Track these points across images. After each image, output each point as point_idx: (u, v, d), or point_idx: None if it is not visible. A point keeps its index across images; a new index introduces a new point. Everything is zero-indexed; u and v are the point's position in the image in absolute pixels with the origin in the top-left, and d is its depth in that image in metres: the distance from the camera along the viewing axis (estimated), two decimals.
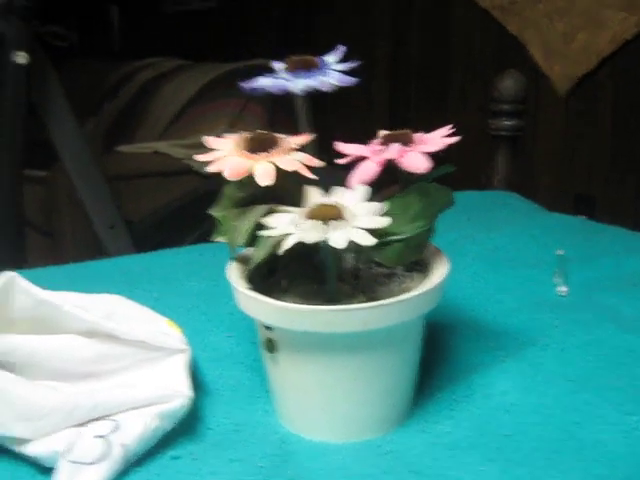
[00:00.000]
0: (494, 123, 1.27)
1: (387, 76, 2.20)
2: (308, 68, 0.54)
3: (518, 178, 1.33)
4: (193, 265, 0.85)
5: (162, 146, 2.14)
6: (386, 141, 0.54)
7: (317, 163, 0.53)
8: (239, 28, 2.73)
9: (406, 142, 0.53)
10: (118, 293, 0.65)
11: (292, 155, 0.54)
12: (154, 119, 2.44)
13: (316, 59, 0.55)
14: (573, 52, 1.81)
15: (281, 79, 0.54)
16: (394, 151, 0.52)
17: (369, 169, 0.53)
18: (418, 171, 0.52)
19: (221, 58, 2.48)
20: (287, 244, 0.48)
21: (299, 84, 0.53)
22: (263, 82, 0.54)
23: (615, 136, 1.76)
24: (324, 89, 0.54)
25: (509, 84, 1.24)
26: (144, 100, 2.51)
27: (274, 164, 0.52)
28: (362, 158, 0.54)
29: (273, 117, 2.05)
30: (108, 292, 0.65)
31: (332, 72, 0.54)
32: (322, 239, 0.48)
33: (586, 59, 1.79)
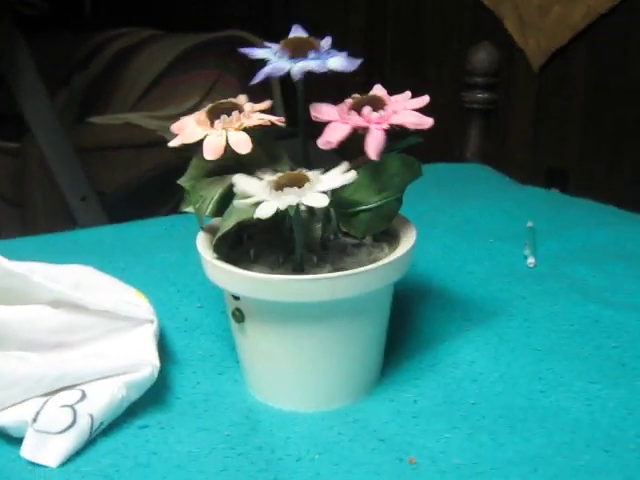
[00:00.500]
0: (467, 96, 1.27)
1: (362, 48, 2.18)
2: (307, 50, 0.53)
3: (491, 151, 1.33)
4: (164, 236, 0.84)
5: (135, 117, 2.12)
6: (358, 104, 0.53)
7: (278, 120, 0.53)
8: None
9: (376, 106, 0.52)
10: (88, 264, 0.65)
11: (255, 116, 0.53)
12: (126, 90, 2.41)
13: (315, 42, 0.54)
14: (548, 26, 1.81)
15: (280, 62, 0.52)
16: (360, 120, 0.51)
17: (339, 129, 0.52)
18: (371, 157, 0.51)
19: (195, 28, 2.45)
20: (264, 212, 0.47)
21: (299, 68, 0.52)
22: (265, 71, 0.53)
23: (588, 110, 1.76)
24: (321, 71, 0.52)
25: (482, 57, 1.24)
26: (116, 71, 2.48)
27: (237, 128, 0.52)
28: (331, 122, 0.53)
29: (247, 88, 2.03)
30: (77, 263, 0.65)
31: (332, 56, 0.53)
32: (297, 202, 0.47)
33: (560, 33, 1.79)
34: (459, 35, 1.99)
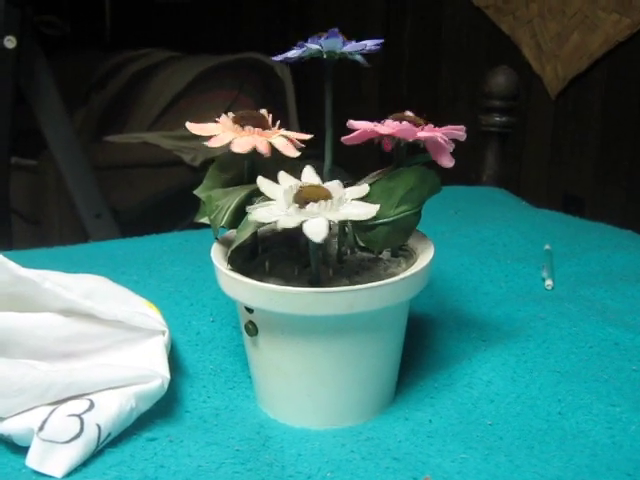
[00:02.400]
0: (485, 119, 1.26)
1: (378, 72, 2.19)
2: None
3: (508, 177, 1.32)
4: (178, 251, 0.84)
5: (151, 137, 2.13)
6: (397, 119, 0.52)
7: (305, 137, 0.53)
8: (232, 20, 2.72)
9: (416, 125, 0.52)
10: (101, 276, 0.64)
11: (280, 133, 0.53)
12: (144, 110, 2.43)
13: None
14: (566, 53, 1.80)
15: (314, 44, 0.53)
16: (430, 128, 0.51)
17: (411, 129, 0.51)
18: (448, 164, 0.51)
19: (213, 50, 2.47)
20: (285, 225, 0.46)
21: (334, 43, 0.52)
22: (295, 51, 0.53)
23: (605, 138, 1.75)
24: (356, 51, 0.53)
25: (501, 80, 1.23)
26: (134, 91, 2.50)
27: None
28: (369, 134, 0.53)
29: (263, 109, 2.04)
30: (91, 274, 0.64)
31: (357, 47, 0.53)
32: (325, 224, 0.46)
33: (578, 60, 1.78)
34: (476, 60, 2.00)
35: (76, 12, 3.07)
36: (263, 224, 0.49)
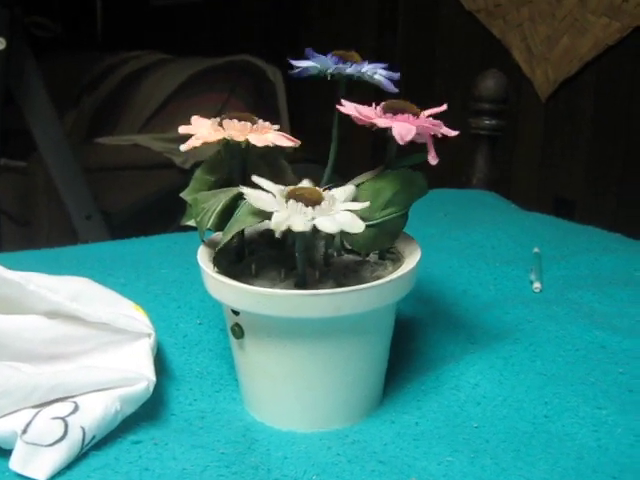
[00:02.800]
0: (475, 122, 1.27)
1: None
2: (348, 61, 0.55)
3: (498, 180, 1.32)
4: (166, 253, 0.84)
5: (142, 139, 2.12)
6: (390, 108, 0.52)
7: (292, 140, 0.53)
8: (224, 23, 2.71)
9: (413, 113, 0.52)
10: (89, 278, 0.64)
11: (269, 133, 0.53)
12: (135, 112, 2.42)
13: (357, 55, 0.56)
14: (556, 57, 1.81)
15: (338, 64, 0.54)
16: (427, 121, 0.51)
17: (409, 128, 0.50)
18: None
19: (205, 53, 2.46)
20: (279, 225, 0.46)
21: (351, 68, 0.54)
22: (329, 63, 0.54)
23: (596, 141, 1.76)
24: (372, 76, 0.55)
25: (490, 83, 1.24)
26: (125, 93, 2.49)
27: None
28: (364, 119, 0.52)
29: (255, 112, 2.04)
30: (78, 276, 0.64)
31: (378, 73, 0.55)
32: (311, 224, 0.46)
33: (568, 64, 1.79)
34: (468, 64, 2.00)
35: (67, 14, 3.06)
36: (247, 223, 0.48)
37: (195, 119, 0.55)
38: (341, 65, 0.55)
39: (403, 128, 0.50)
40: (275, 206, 0.47)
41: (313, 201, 0.47)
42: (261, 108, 2.20)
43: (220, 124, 0.52)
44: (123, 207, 1.89)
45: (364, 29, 2.24)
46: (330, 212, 0.47)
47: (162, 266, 0.79)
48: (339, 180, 0.55)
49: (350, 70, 0.55)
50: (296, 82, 2.33)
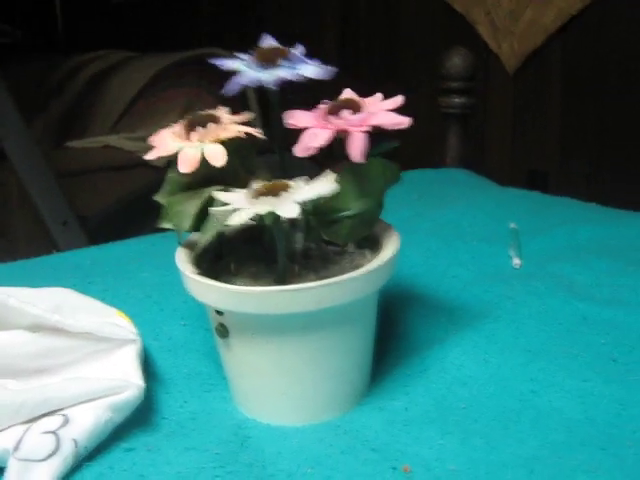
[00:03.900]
0: (444, 101, 1.27)
1: (335, 56, 2.18)
2: (279, 59, 0.52)
3: (471, 156, 1.33)
4: (144, 256, 0.83)
5: (113, 140, 2.11)
6: (335, 108, 0.52)
7: (256, 133, 0.52)
8: (187, 16, 2.69)
9: (354, 109, 0.52)
10: (69, 287, 0.64)
11: (232, 128, 0.53)
12: (104, 113, 2.40)
13: (287, 49, 0.53)
14: (520, 30, 1.81)
15: (252, 72, 0.52)
16: (341, 123, 0.51)
17: (320, 135, 0.51)
18: (357, 159, 0.50)
19: (170, 48, 2.44)
20: (239, 218, 0.46)
21: (272, 76, 0.51)
22: (237, 80, 0.52)
23: (566, 111, 1.77)
24: (295, 79, 0.52)
25: (457, 62, 1.24)
26: (93, 94, 2.47)
27: (219, 140, 0.51)
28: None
29: (225, 103, 2.03)
30: (58, 286, 0.64)
31: (305, 63, 0.52)
32: (271, 210, 0.46)
33: (533, 36, 1.79)
34: (433, 41, 2.00)
35: (27, 18, 3.02)
36: (225, 223, 0.48)
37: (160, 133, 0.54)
38: (272, 71, 0.52)
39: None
40: (244, 204, 0.47)
41: (277, 192, 0.47)
42: (231, 100, 2.18)
43: (187, 130, 0.52)
44: (99, 210, 1.88)
45: (325, 12, 2.23)
46: (289, 200, 0.47)
47: (142, 269, 0.79)
48: (318, 170, 0.55)
49: (285, 74, 0.52)
50: None
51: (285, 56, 0.52)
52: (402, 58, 2.08)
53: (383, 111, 0.52)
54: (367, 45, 2.15)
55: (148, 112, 2.24)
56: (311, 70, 0.52)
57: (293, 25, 2.26)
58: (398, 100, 0.52)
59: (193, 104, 2.17)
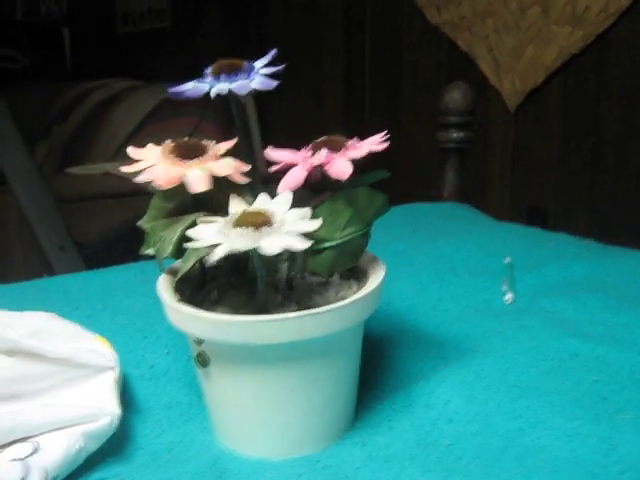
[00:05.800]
0: (442, 135, 1.27)
1: (339, 91, 2.20)
2: (232, 71, 0.52)
3: (470, 192, 1.33)
4: (132, 283, 0.82)
5: (113, 167, 2.11)
6: (316, 147, 0.52)
7: (245, 168, 0.52)
8: (191, 48, 2.72)
9: (335, 148, 0.51)
10: (55, 311, 0.63)
11: (221, 161, 0.52)
12: (107, 140, 2.41)
13: (244, 62, 0.54)
14: (522, 67, 1.82)
15: (202, 83, 0.52)
16: (320, 157, 0.50)
17: (296, 175, 0.51)
18: (341, 178, 0.50)
19: (173, 78, 2.46)
20: (217, 255, 0.46)
21: (217, 88, 0.52)
22: (184, 86, 0.52)
23: (566, 149, 1.77)
24: (242, 92, 0.52)
25: (456, 96, 1.24)
26: (96, 122, 2.48)
27: (206, 170, 0.50)
28: (292, 165, 0.53)
29: (227, 135, 2.04)
30: (43, 311, 0.62)
31: (256, 75, 0.53)
32: (253, 247, 0.46)
33: (534, 74, 1.80)
34: (437, 77, 2.01)
35: (35, 45, 3.05)
36: (205, 253, 0.48)
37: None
38: (218, 84, 0.53)
39: (290, 177, 0.50)
40: (218, 238, 0.46)
41: (259, 224, 0.46)
42: (233, 130, 2.19)
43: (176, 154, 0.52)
44: (96, 237, 1.87)
45: (330, 48, 2.24)
46: (279, 234, 0.46)
47: (128, 296, 0.78)
48: (311, 195, 0.54)
49: (231, 86, 0.53)
50: (265, 102, 2.33)
51: (240, 69, 0.53)
52: (403, 93, 2.09)
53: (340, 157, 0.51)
54: (371, 77, 2.17)
55: (150, 141, 2.25)
56: (258, 82, 0.52)
57: (297, 56, 2.28)
58: (382, 145, 0.52)
59: (195, 133, 2.17)
